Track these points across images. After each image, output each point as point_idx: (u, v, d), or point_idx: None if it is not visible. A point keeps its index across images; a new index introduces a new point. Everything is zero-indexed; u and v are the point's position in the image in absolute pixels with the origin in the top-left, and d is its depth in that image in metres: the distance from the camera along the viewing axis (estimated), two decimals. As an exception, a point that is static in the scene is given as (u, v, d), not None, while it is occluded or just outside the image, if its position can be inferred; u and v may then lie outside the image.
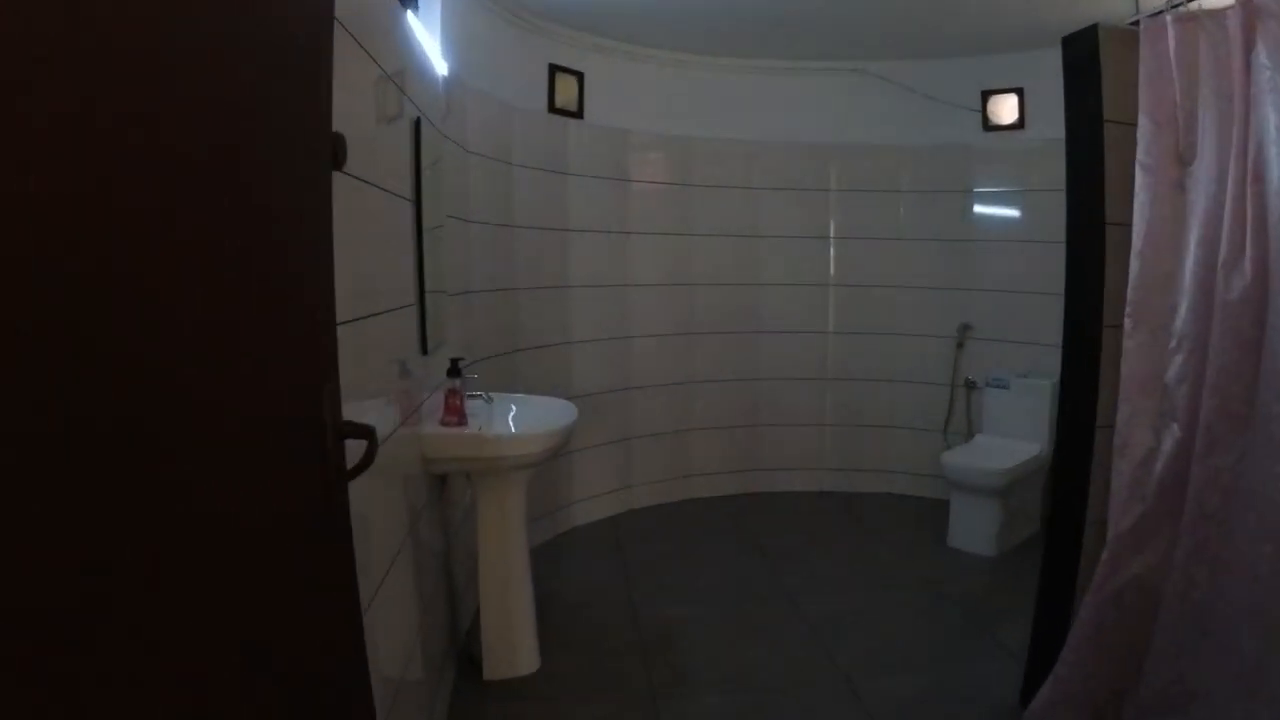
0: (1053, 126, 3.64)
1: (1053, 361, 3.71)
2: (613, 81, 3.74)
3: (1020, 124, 3.83)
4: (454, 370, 2.10)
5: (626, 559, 3.44)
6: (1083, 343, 1.95)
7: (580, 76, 3.63)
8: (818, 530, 3.80)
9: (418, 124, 1.97)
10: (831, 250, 4.20)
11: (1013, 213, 3.88)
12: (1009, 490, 3.41)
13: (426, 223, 2.04)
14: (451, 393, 2.08)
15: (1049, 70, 3.62)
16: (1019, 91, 3.81)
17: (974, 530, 3.46)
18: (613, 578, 3.24)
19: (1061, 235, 3.56)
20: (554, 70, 3.55)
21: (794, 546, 3.58)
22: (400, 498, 1.72)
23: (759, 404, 4.24)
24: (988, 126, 3.89)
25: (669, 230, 3.98)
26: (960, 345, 3.98)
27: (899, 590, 3.13)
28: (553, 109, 3.54)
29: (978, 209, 3.97)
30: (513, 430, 2.31)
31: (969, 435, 4.00)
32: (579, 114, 3.64)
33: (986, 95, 3.88)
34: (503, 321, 3.22)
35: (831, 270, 4.20)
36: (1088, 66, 1.90)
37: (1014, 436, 3.70)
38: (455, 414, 2.09)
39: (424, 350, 2.01)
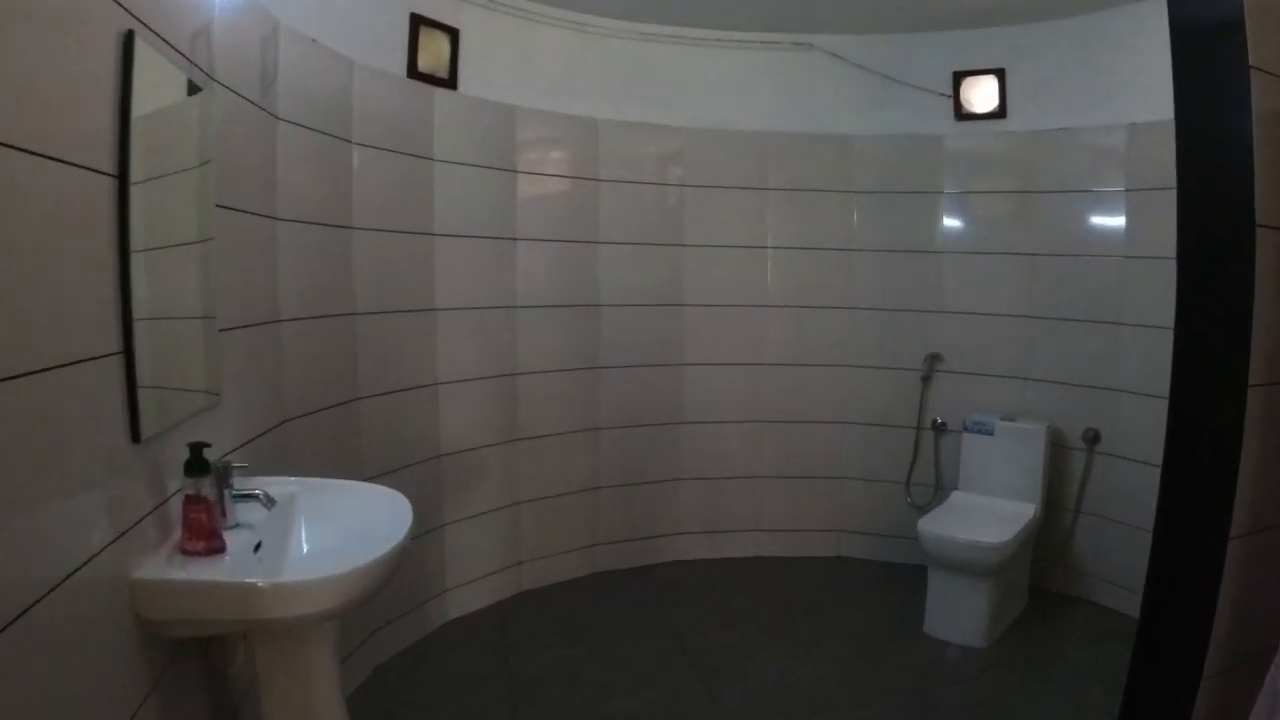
0: (1041, 115, 3.28)
1: (1046, 401, 3.32)
2: (498, 44, 3.08)
3: (1000, 112, 3.36)
4: (197, 463, 1.30)
5: (513, 671, 2.71)
6: (1208, 407, 1.32)
7: (454, 34, 2.92)
8: (759, 615, 3.18)
9: (129, 42, 1.18)
10: (769, 264, 3.61)
11: (992, 219, 3.46)
12: (1005, 567, 2.84)
13: (148, 214, 1.26)
14: (194, 502, 1.28)
15: (1035, 47, 3.26)
16: (999, 73, 3.35)
17: (959, 616, 2.90)
18: (492, 708, 2.47)
19: (1058, 246, 3.24)
20: (418, 22, 2.79)
21: (730, 644, 2.93)
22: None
23: (681, 453, 3.63)
24: (961, 115, 3.42)
25: (569, 237, 3.32)
26: (927, 379, 3.53)
27: (874, 705, 2.50)
28: (415, 73, 2.81)
29: (948, 214, 3.50)
30: (304, 562, 1.53)
31: (937, 488, 3.51)
32: (451, 82, 2.94)
33: (959, 77, 3.41)
34: (331, 361, 2.44)
35: (770, 288, 3.62)
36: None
37: (1000, 494, 3.21)
38: (203, 536, 1.29)
39: (134, 435, 1.22)
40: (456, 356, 3.00)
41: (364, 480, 2.25)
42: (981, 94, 3.42)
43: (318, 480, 1.86)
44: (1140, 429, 3.06)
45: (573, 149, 3.33)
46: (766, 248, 3.59)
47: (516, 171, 3.16)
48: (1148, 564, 1.60)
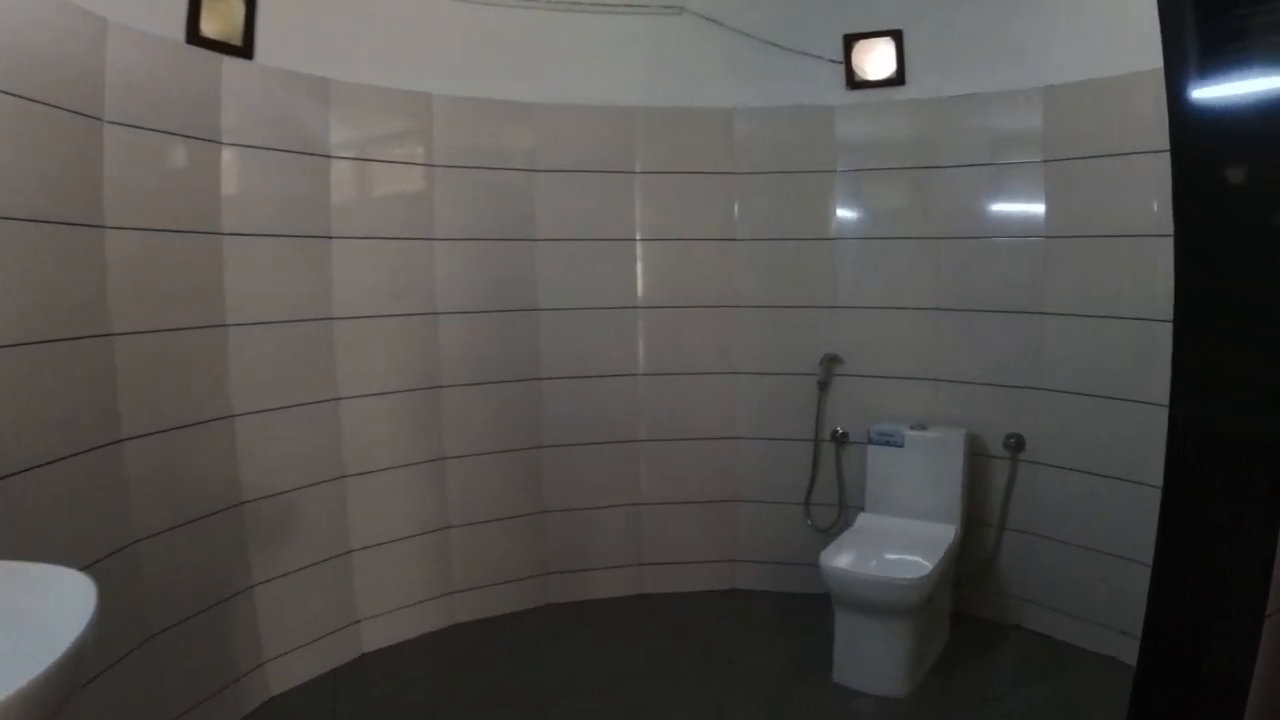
0: (944, 80, 3.09)
1: (961, 405, 3.11)
2: (309, 5, 2.73)
3: (898, 78, 3.19)
4: None
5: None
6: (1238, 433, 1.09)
7: (248, -10, 2.55)
8: (641, 670, 2.89)
9: None
10: (639, 258, 3.33)
11: (892, 200, 3.26)
12: (924, 608, 2.63)
13: None
14: None
15: (936, 6, 3.07)
16: (895, 35, 3.17)
17: (872, 662, 2.66)
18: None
19: (969, 228, 3.04)
20: (196, -26, 2.42)
21: (608, 710, 2.63)
22: None
23: (543, 480, 3.34)
24: (853, 83, 3.23)
25: (398, 233, 2.99)
26: (824, 385, 3.30)
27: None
28: (198, 38, 2.44)
29: (842, 196, 3.28)
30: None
31: (841, 508, 3.31)
32: (245, 50, 2.57)
33: (851, 41, 3.22)
34: (72, 396, 2.08)
35: (640, 286, 3.34)
36: None
37: (914, 514, 3.00)
38: None
39: None
40: (257, 381, 2.63)
41: (132, 542, 1.87)
42: (876, 59, 3.23)
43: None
44: (1069, 432, 2.90)
45: (402, 130, 3.00)
46: (635, 240, 3.31)
47: (331, 157, 2.80)
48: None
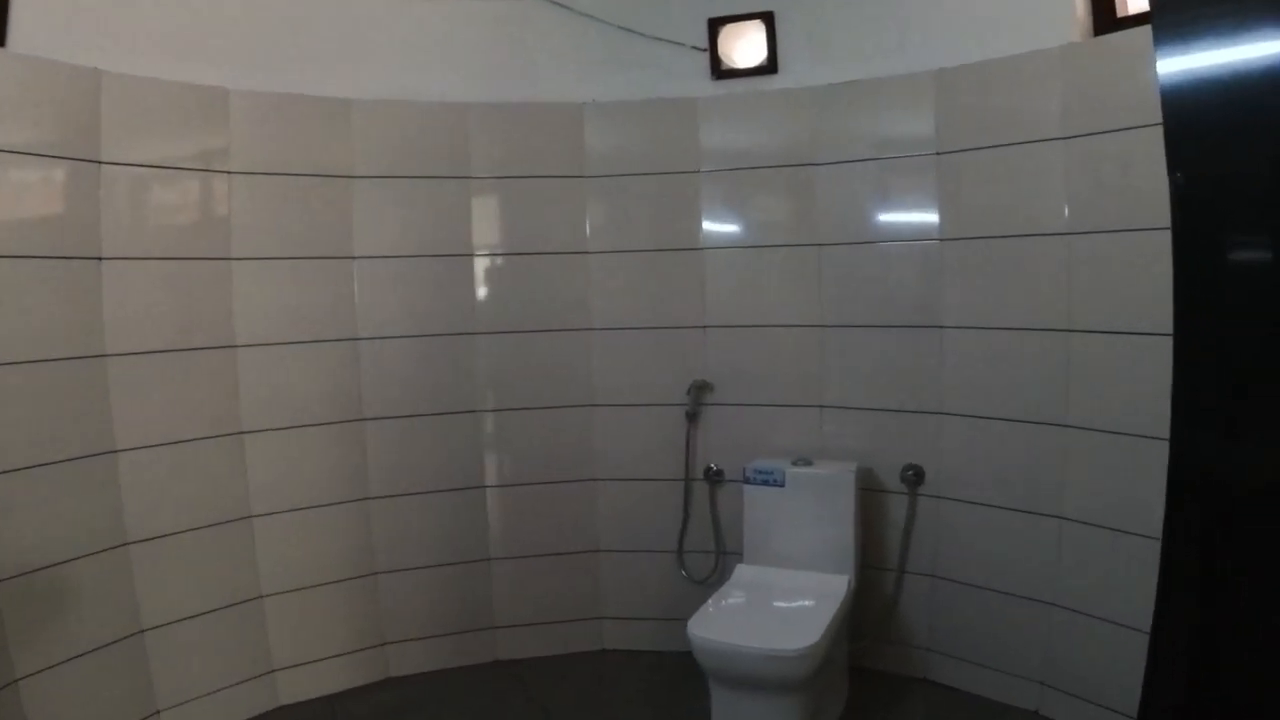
0: (822, 67, 2.99)
1: (850, 435, 2.98)
2: None
3: (770, 66, 3.11)
4: None
5: None
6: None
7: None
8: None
9: None
10: (478, 276, 3.17)
11: (766, 203, 3.15)
12: (818, 676, 2.45)
13: None
14: None
15: None
16: (766, 18, 3.10)
17: (759, 743, 2.48)
18: None
19: (853, 232, 2.94)
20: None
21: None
22: None
23: (374, 538, 3.13)
24: (720, 72, 3.16)
25: (185, 252, 2.76)
26: (693, 417, 3.16)
27: None
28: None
29: (709, 200, 3.16)
30: None
31: (718, 554, 3.17)
32: (-11, 38, 2.33)
33: (717, 25, 3.15)
34: None
35: (478, 307, 3.17)
36: None
37: (800, 564, 2.84)
38: None
39: None
40: (21, 429, 2.41)
41: None
42: (745, 45, 3.15)
43: None
44: (974, 461, 2.79)
45: (191, 130, 2.79)
46: (473, 255, 3.15)
47: (101, 162, 2.59)
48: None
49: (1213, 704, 1.17)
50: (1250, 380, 1.21)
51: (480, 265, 3.19)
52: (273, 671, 2.96)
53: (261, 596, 2.98)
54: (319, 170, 3.00)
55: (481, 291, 3.16)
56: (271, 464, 2.96)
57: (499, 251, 3.20)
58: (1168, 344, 1.40)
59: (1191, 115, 1.26)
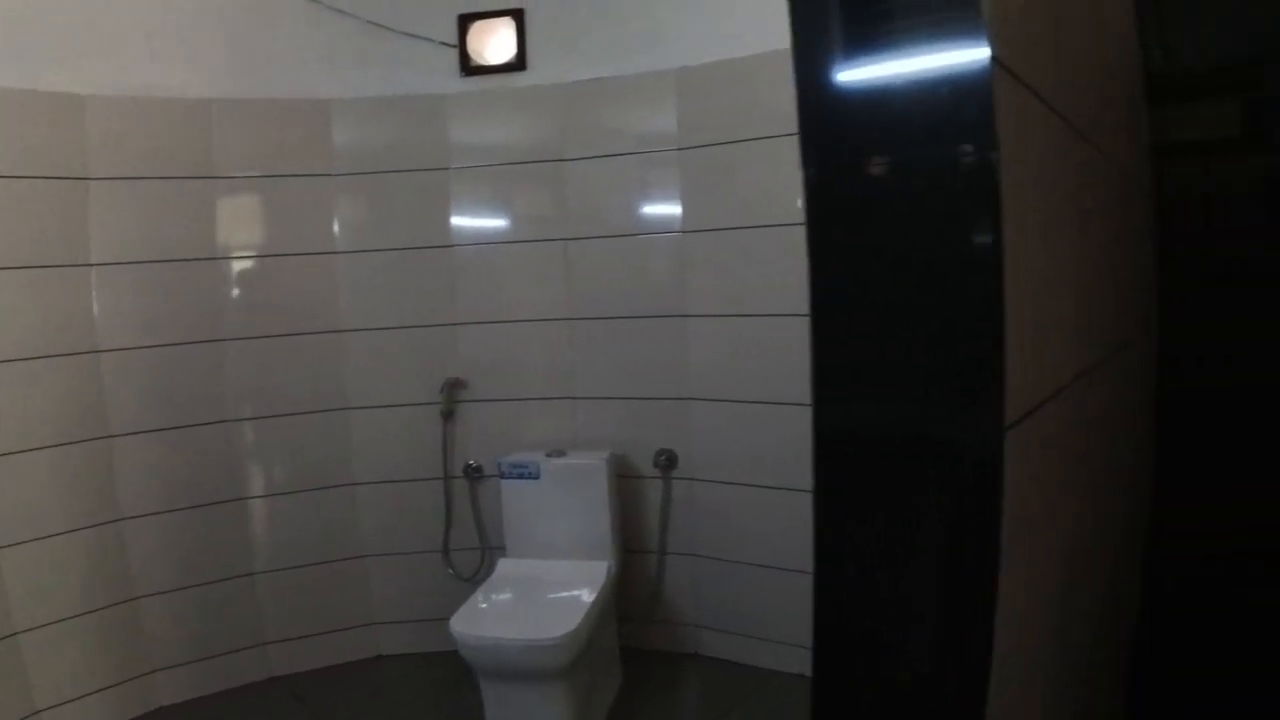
0: (571, 64, 3.11)
1: (603, 425, 3.15)
2: None
3: (519, 63, 3.22)
4: None
5: None
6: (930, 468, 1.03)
7: None
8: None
9: None
10: (226, 279, 3.16)
11: (515, 199, 3.31)
12: (582, 656, 2.60)
13: None
14: None
15: None
16: (516, 15, 3.21)
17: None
18: None
19: (601, 226, 3.09)
20: None
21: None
22: None
23: (130, 562, 3.06)
24: (469, 68, 3.24)
25: None
26: (449, 414, 3.27)
27: None
28: None
29: (459, 197, 3.27)
30: None
31: (484, 551, 3.30)
32: None
33: (467, 21, 3.24)
34: None
35: (229, 313, 3.16)
36: None
37: (561, 553, 3.00)
38: None
39: None
40: None
41: None
42: (495, 41, 3.25)
43: None
44: (721, 443, 3.02)
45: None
46: (217, 258, 3.14)
47: None
48: None
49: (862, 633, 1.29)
50: (866, 356, 1.36)
51: (227, 269, 3.17)
52: (37, 713, 2.85)
53: (15, 634, 2.85)
54: (49, 172, 2.92)
55: (229, 296, 3.13)
56: (5, 492, 2.84)
57: (246, 254, 3.20)
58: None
59: (822, 120, 1.40)
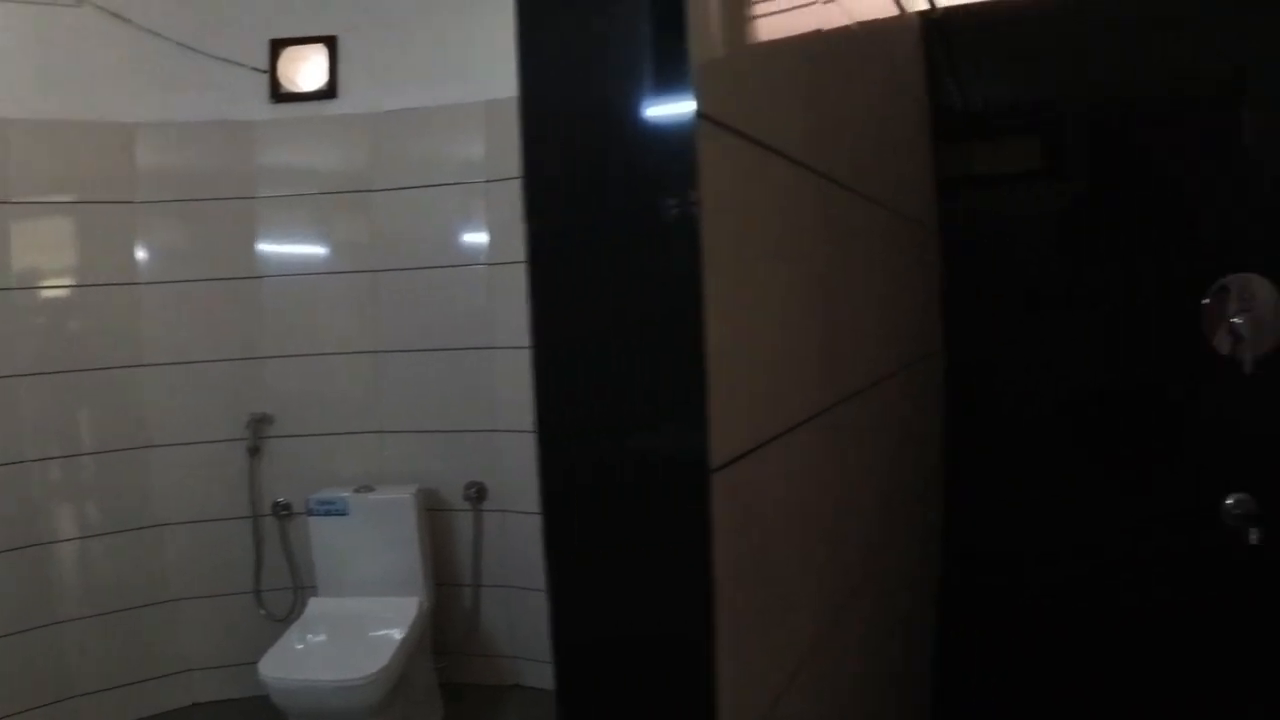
0: (381, 93, 3.12)
1: (412, 458, 3.15)
2: None
3: (330, 91, 3.22)
4: None
5: None
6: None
7: None
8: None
9: None
10: (18, 312, 3.06)
11: (323, 230, 3.29)
12: (395, 695, 2.60)
13: None
14: None
15: (375, 11, 3.11)
16: (329, 42, 3.21)
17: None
18: None
19: (409, 258, 3.07)
20: None
21: None
22: None
23: None
24: (279, 95, 3.23)
25: None
26: (255, 451, 3.23)
27: None
28: None
29: (267, 226, 3.24)
30: None
31: (296, 590, 3.25)
32: None
33: (279, 47, 3.22)
34: None
35: (18, 347, 3.05)
36: None
37: (372, 590, 3.00)
38: None
39: None
40: None
41: None
42: (307, 68, 3.24)
43: None
44: (530, 474, 2.92)
45: None
46: (12, 288, 3.02)
47: None
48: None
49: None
50: (584, 403, 1.38)
51: (21, 300, 3.04)
52: None
53: None
54: None
55: (21, 329, 3.03)
56: None
57: (42, 284, 3.10)
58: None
59: (543, 174, 1.42)
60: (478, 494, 3.09)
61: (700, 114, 0.92)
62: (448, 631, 3.15)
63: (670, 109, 1.00)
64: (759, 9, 1.21)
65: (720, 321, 0.96)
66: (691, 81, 0.95)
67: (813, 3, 1.54)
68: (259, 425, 3.22)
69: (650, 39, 1.05)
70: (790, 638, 1.27)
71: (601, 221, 1.17)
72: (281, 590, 3.29)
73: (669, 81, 1.05)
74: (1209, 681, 2.36)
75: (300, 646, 2.76)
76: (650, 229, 1.07)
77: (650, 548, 1.08)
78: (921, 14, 2.62)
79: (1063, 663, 2.52)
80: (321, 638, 2.81)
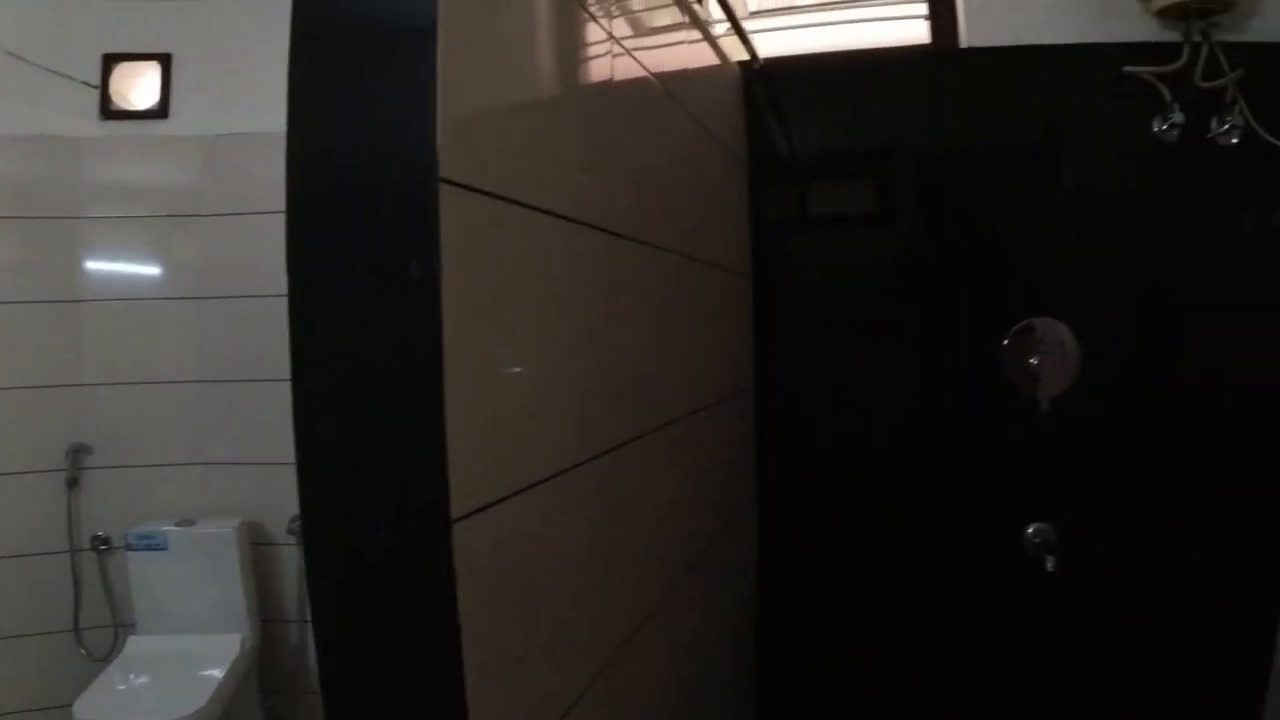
0: (214, 115, 3.08)
1: (236, 491, 3.07)
2: None
3: (162, 110, 3.17)
4: None
5: None
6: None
7: None
8: None
9: None
10: None
11: (151, 254, 3.24)
12: None
13: None
14: None
15: (212, 30, 3.08)
16: (164, 60, 3.17)
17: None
18: None
19: (239, 285, 2.97)
20: None
21: None
22: None
23: None
24: (109, 112, 3.16)
25: None
26: (74, 483, 3.14)
27: None
28: None
29: (91, 248, 3.18)
30: None
31: (117, 628, 3.17)
32: None
33: (112, 62, 3.17)
34: None
35: None
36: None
37: (192, 628, 2.95)
38: None
39: None
40: None
41: None
42: (140, 85, 3.19)
43: None
44: None
45: None
46: None
47: None
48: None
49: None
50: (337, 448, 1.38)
51: None
52: None
53: None
54: None
55: None
56: None
57: None
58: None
59: (304, 233, 1.41)
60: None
61: (442, 178, 0.96)
62: (275, 668, 3.09)
63: (415, 172, 1.03)
64: (523, 73, 1.24)
65: (464, 377, 1.00)
66: (437, 147, 0.99)
67: (597, 57, 1.55)
68: (78, 455, 3.13)
69: (404, 100, 1.09)
70: (565, 674, 1.30)
71: (352, 276, 1.20)
72: (102, 629, 3.20)
73: (414, 146, 1.09)
74: (1012, 697, 2.52)
75: (117, 687, 2.71)
76: (393, 287, 1.09)
77: (399, 591, 1.10)
78: (742, 64, 2.66)
79: (879, 685, 2.65)
80: (144, 679, 2.76)
